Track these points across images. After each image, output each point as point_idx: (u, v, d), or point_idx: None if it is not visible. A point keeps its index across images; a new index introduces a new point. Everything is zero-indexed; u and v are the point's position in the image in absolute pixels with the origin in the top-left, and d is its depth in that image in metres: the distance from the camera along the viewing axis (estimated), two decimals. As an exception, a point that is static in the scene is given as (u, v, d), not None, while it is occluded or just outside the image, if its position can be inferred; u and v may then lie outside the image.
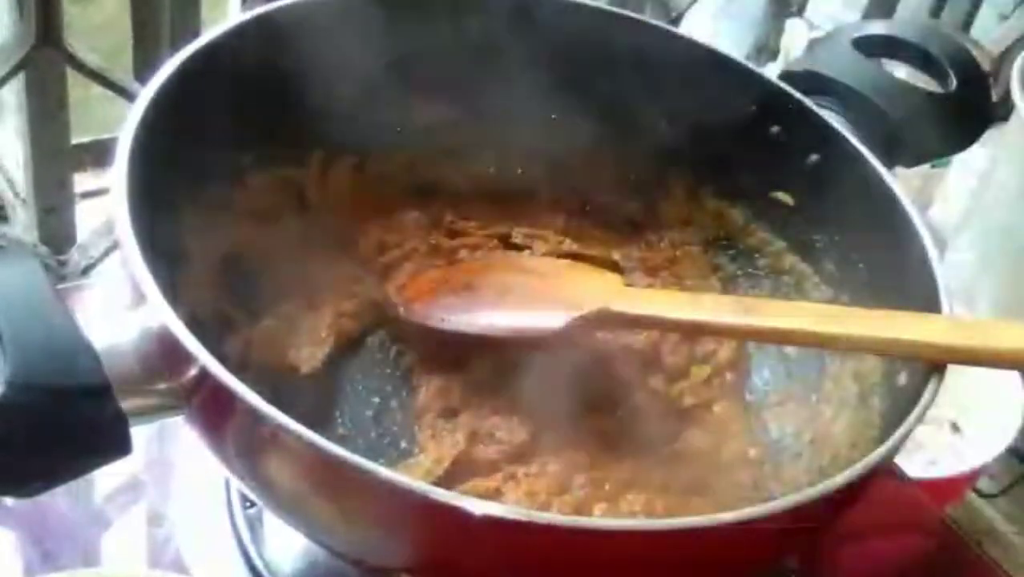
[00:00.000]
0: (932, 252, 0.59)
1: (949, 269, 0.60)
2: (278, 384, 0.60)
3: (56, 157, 0.95)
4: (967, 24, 1.58)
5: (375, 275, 0.69)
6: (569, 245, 0.72)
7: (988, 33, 1.57)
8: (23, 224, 0.99)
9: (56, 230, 0.99)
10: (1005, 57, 1.51)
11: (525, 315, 0.64)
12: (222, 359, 0.45)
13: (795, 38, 1.37)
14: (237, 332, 0.62)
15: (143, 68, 0.98)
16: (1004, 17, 1.59)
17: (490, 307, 0.64)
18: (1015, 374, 1.14)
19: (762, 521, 0.44)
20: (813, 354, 0.67)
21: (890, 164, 0.66)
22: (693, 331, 0.66)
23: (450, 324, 0.64)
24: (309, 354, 0.63)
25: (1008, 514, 1.24)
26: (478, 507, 0.42)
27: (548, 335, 0.62)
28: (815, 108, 0.68)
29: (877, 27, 0.75)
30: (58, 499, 0.67)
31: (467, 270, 0.68)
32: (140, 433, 0.46)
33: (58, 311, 0.46)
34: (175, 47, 0.56)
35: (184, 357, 0.44)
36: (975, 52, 0.85)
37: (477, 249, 0.72)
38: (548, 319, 0.62)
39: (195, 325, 0.45)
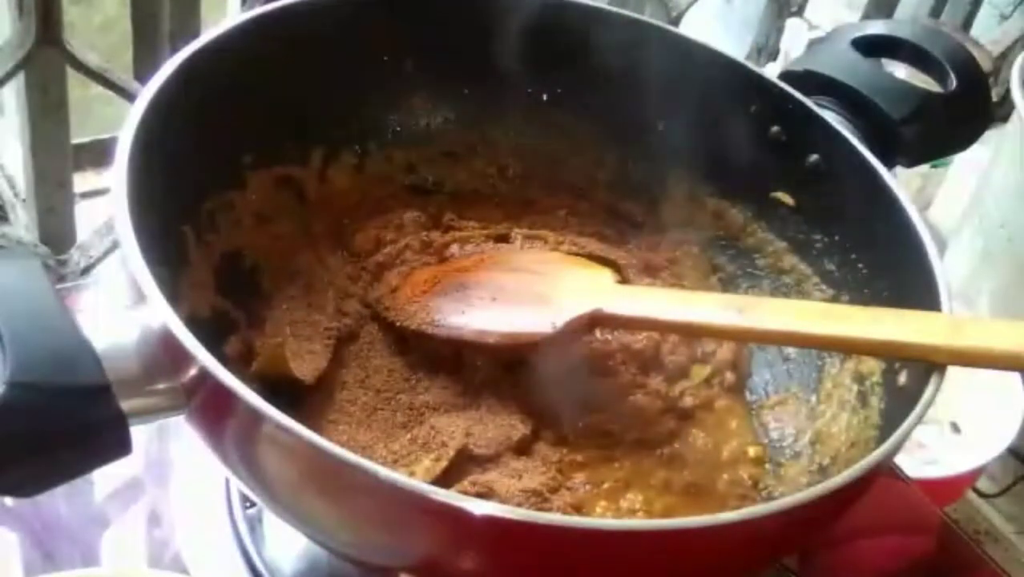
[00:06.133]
0: (932, 252, 0.59)
1: (949, 269, 0.60)
2: (278, 384, 0.60)
3: (56, 157, 0.95)
4: (967, 24, 1.59)
5: (370, 274, 0.69)
6: (569, 246, 0.72)
7: (988, 33, 1.57)
8: (23, 224, 0.99)
9: (56, 230, 0.99)
10: (1005, 57, 1.51)
11: (518, 318, 0.63)
12: (222, 359, 0.45)
13: (795, 38, 1.37)
14: (237, 332, 0.62)
15: (143, 68, 0.98)
16: (1004, 17, 1.60)
17: (483, 309, 0.64)
18: (1015, 375, 1.14)
19: (762, 521, 0.44)
20: (813, 354, 0.67)
21: (890, 164, 0.66)
22: (687, 332, 0.66)
23: (443, 331, 0.64)
24: (311, 364, 0.62)
25: (1008, 514, 1.25)
26: (478, 507, 0.42)
27: (541, 340, 0.62)
28: (815, 108, 0.68)
29: (877, 27, 0.75)
30: (58, 499, 0.67)
31: (460, 269, 0.68)
32: (140, 433, 0.46)
33: (58, 311, 0.46)
34: (175, 47, 0.56)
35: (184, 357, 0.45)
36: (975, 52, 0.85)
37: (468, 243, 0.72)
38: (541, 323, 0.62)
39: (195, 325, 0.45)
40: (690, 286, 0.73)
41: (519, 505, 0.56)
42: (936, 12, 1.57)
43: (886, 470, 0.50)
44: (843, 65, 0.71)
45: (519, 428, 0.61)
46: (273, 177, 0.67)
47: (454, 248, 0.71)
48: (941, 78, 0.72)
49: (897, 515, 0.79)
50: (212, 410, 0.46)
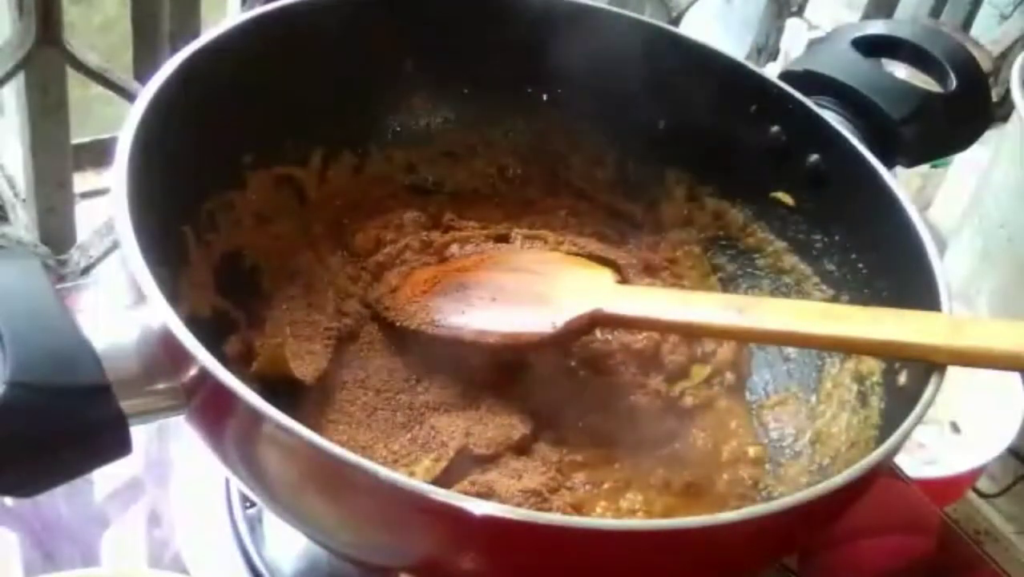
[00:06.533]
0: (932, 252, 0.59)
1: (949, 269, 0.60)
2: (278, 384, 0.60)
3: (56, 157, 0.95)
4: (967, 24, 1.59)
5: (370, 274, 0.69)
6: (569, 246, 0.72)
7: (988, 33, 1.57)
8: (23, 224, 0.99)
9: (56, 230, 0.99)
10: (1005, 57, 1.51)
11: (518, 318, 0.63)
12: (222, 359, 0.45)
13: (795, 38, 1.37)
14: (237, 332, 0.62)
15: (143, 68, 0.98)
16: (1004, 17, 1.60)
17: (483, 309, 0.64)
18: (1015, 375, 1.14)
19: (762, 521, 0.44)
20: (813, 354, 0.67)
21: (890, 164, 0.66)
22: (687, 332, 0.66)
23: (443, 331, 0.64)
24: (311, 365, 0.62)
25: (1008, 514, 1.25)
26: (478, 507, 0.42)
27: (541, 340, 0.62)
28: (815, 108, 0.68)
29: (877, 27, 0.75)
30: (58, 499, 0.67)
31: (460, 268, 0.68)
32: (140, 433, 0.46)
33: (58, 311, 0.46)
34: (175, 47, 0.56)
35: (184, 357, 0.45)
36: (975, 52, 0.85)
37: (468, 243, 0.72)
38: (541, 323, 0.62)
39: (195, 325, 0.45)
40: (690, 286, 0.73)
41: (519, 505, 0.56)
42: (936, 12, 1.57)
43: (886, 470, 0.50)
44: (843, 65, 0.71)
45: (519, 428, 0.61)
46: (273, 177, 0.67)
47: (454, 248, 0.71)
48: (941, 78, 0.72)
49: (897, 515, 0.79)
50: (212, 410, 0.46)
